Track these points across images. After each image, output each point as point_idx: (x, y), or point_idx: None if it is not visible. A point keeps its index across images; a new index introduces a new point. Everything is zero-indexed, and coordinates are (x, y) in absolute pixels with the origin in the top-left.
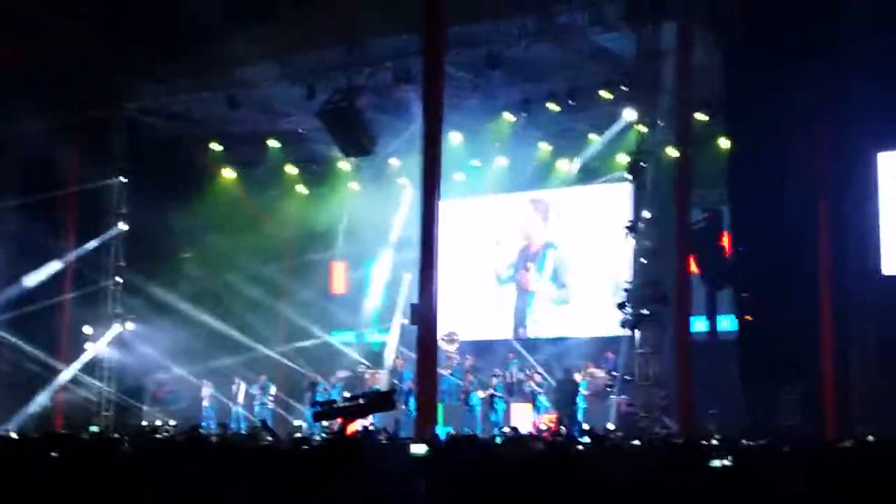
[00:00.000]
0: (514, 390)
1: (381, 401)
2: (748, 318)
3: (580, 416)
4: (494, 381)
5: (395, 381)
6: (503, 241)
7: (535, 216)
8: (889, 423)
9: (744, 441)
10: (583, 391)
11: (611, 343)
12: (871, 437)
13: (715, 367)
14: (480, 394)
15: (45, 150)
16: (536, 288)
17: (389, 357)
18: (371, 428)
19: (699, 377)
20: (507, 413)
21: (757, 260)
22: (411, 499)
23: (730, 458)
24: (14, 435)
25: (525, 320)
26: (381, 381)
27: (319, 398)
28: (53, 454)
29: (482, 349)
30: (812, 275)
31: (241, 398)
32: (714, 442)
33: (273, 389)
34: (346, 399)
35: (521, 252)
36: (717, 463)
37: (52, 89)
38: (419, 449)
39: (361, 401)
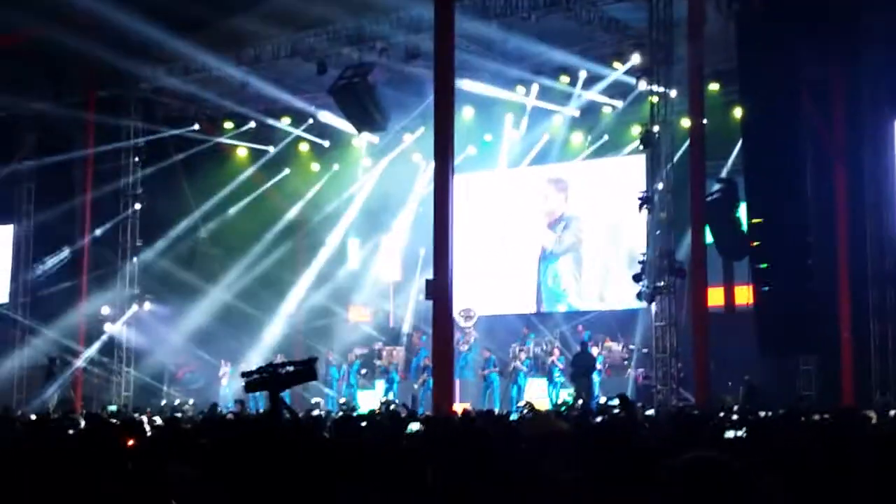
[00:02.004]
0: (533, 365)
1: (304, 371)
2: (766, 288)
3: (596, 390)
4: (523, 356)
5: (411, 356)
6: (531, 228)
7: (557, 196)
8: None
9: (762, 413)
10: (599, 365)
11: (628, 316)
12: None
13: (731, 338)
14: (499, 369)
15: (60, 131)
16: (554, 249)
17: (406, 333)
18: (392, 404)
19: (715, 349)
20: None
21: (773, 230)
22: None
23: (744, 429)
24: (33, 416)
25: (543, 293)
26: (398, 357)
27: (335, 375)
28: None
29: (493, 324)
30: (829, 244)
31: (224, 381)
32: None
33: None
34: (265, 369)
35: (544, 233)
36: (730, 434)
37: (64, 71)
38: (413, 426)
39: (286, 369)
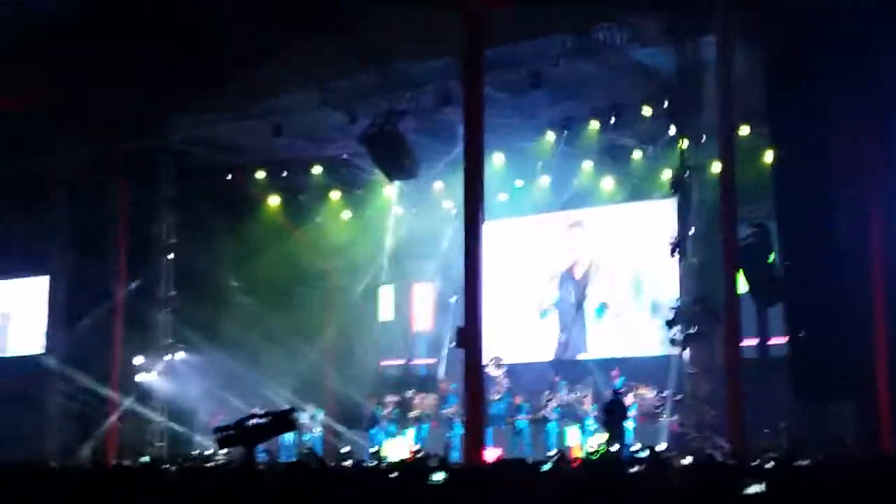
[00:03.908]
0: (564, 412)
1: (281, 423)
2: (801, 334)
3: (629, 437)
4: (553, 403)
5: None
6: (549, 275)
7: (581, 239)
8: None
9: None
10: (633, 412)
11: (661, 362)
12: None
13: (765, 385)
14: (529, 416)
15: (93, 184)
16: (579, 296)
17: (438, 380)
18: (421, 452)
19: (750, 396)
20: (559, 436)
21: (807, 274)
22: None
23: (764, 483)
24: (67, 466)
25: (572, 341)
26: (430, 405)
27: (378, 421)
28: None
29: (524, 372)
30: (864, 288)
31: None
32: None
33: (321, 416)
34: (243, 421)
35: (565, 279)
36: (753, 489)
37: (96, 125)
38: (438, 476)
39: (259, 422)
